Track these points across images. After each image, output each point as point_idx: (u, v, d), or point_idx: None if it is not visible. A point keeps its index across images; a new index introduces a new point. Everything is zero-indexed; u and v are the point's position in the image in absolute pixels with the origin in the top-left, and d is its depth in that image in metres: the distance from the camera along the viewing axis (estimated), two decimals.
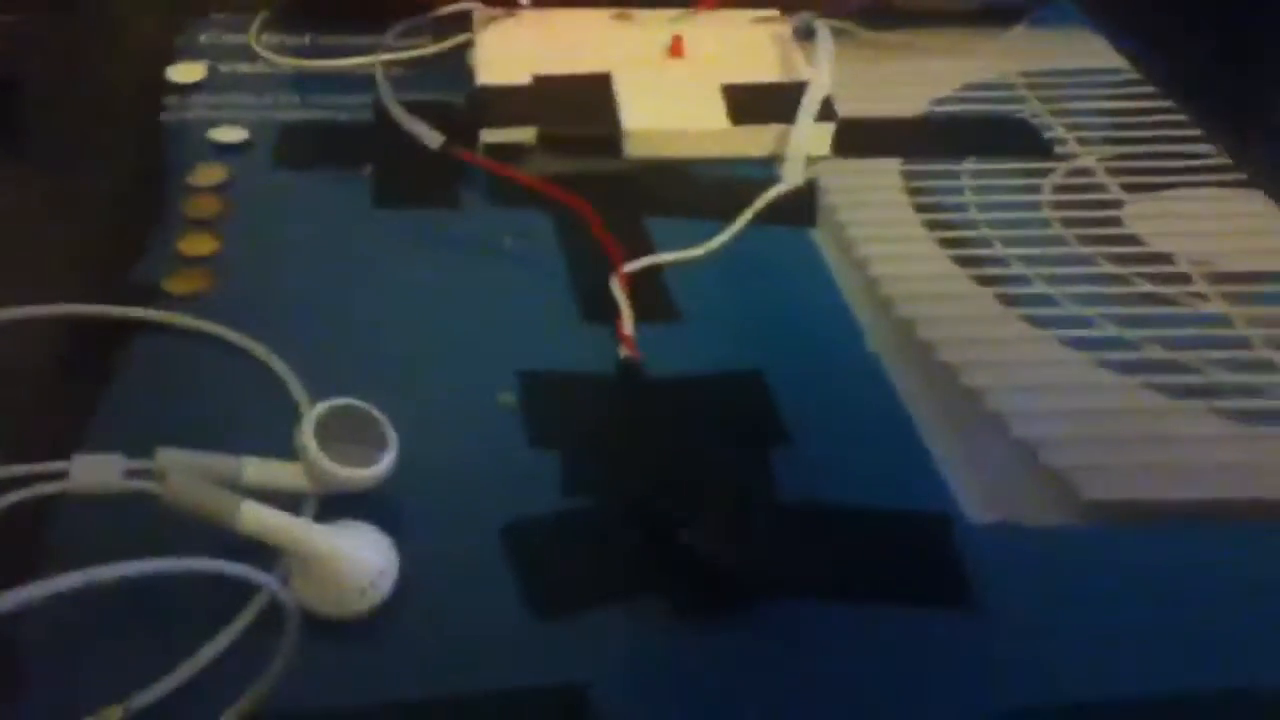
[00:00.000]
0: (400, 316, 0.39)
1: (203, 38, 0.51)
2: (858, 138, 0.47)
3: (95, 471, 0.28)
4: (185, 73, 0.49)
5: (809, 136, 0.45)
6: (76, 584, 0.22)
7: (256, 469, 0.29)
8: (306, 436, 0.29)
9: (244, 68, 0.50)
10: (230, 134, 0.45)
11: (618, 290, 0.38)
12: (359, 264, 0.40)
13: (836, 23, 0.52)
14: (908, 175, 0.46)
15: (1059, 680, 0.29)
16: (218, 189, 0.43)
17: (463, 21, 0.51)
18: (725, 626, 0.30)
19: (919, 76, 0.52)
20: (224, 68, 0.49)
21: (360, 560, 0.28)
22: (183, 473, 0.27)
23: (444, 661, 0.28)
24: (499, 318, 0.39)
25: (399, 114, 0.43)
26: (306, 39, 0.52)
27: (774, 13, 0.53)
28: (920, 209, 0.44)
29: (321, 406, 0.30)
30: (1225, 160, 0.48)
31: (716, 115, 0.46)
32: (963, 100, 0.51)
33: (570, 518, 0.32)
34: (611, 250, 0.40)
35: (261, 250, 0.40)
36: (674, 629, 0.30)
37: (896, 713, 0.28)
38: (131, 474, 0.29)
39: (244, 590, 0.28)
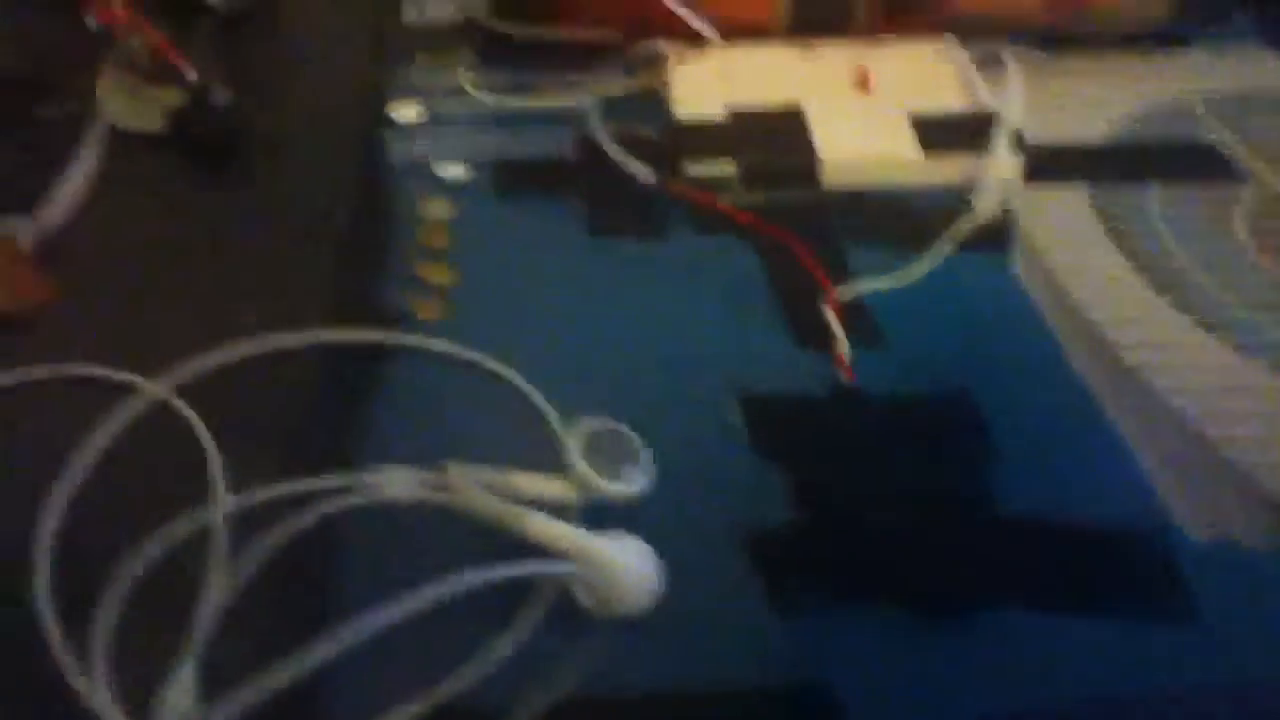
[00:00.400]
0: (623, 340, 0.41)
1: (413, 77, 0.55)
2: (1045, 164, 0.49)
3: (394, 483, 0.31)
4: (402, 111, 0.52)
5: (1002, 165, 0.47)
6: (427, 601, 0.25)
7: (528, 481, 0.32)
8: (574, 454, 0.32)
9: (455, 106, 0.53)
10: (452, 169, 0.48)
11: (830, 316, 0.41)
12: (581, 291, 0.43)
13: (1013, 49, 0.54)
14: (1097, 201, 0.47)
15: (1267, 696, 0.30)
16: (446, 221, 0.46)
17: (655, 60, 0.54)
18: (951, 631, 0.32)
19: (1098, 102, 0.53)
20: (437, 106, 0.53)
21: (631, 566, 0.30)
22: (470, 485, 0.30)
23: (698, 657, 0.31)
24: (714, 341, 0.41)
25: (613, 151, 0.46)
26: (507, 78, 0.55)
27: (952, 42, 0.54)
28: (1113, 235, 0.46)
29: (584, 426, 0.33)
30: None
31: (908, 145, 0.48)
32: (1145, 125, 0.52)
33: (802, 527, 0.35)
34: (822, 279, 0.42)
35: (493, 278, 0.43)
36: (904, 632, 0.32)
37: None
38: (426, 486, 0.32)
39: (520, 592, 0.31)
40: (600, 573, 0.30)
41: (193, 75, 0.52)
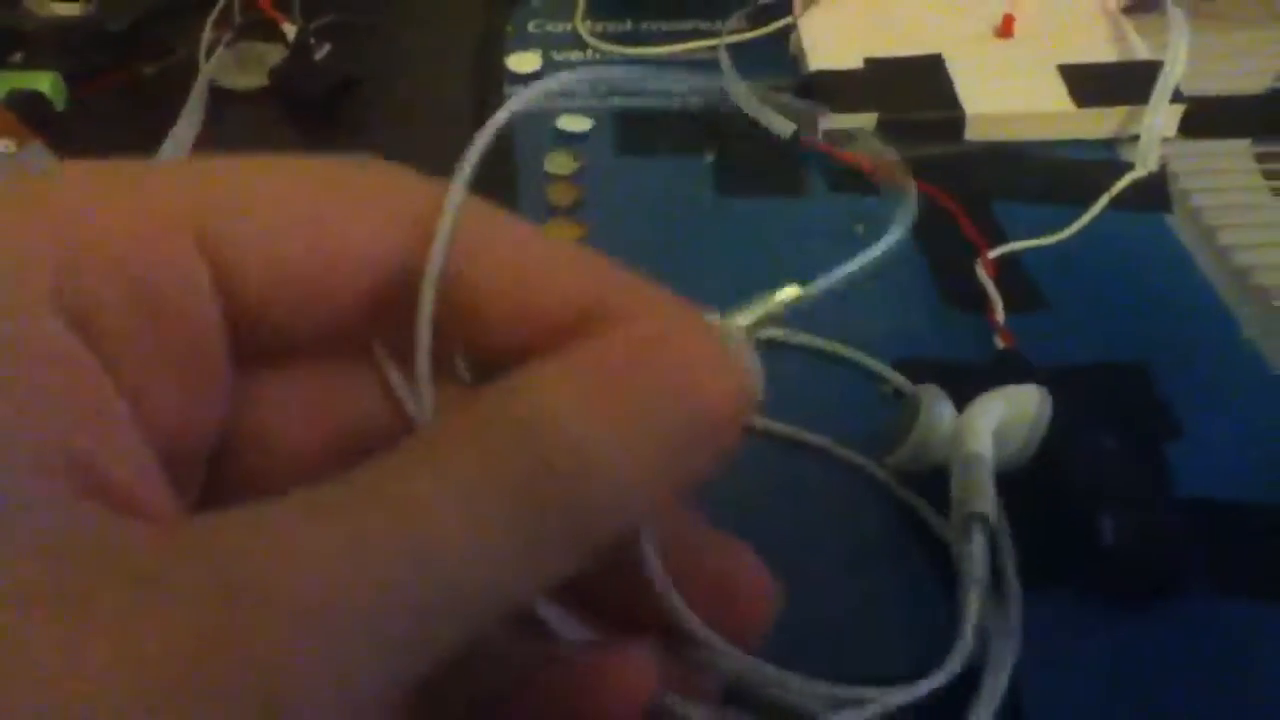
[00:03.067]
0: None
1: (530, 26, 0.53)
2: (1204, 117, 0.46)
3: None
4: (522, 62, 0.51)
5: (1162, 119, 0.44)
6: None
7: None
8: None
9: (574, 55, 0.51)
10: (576, 123, 0.47)
11: (985, 277, 0.39)
12: (712, 251, 0.41)
13: None
14: (1262, 157, 0.44)
15: None
16: (572, 177, 0.44)
17: (784, 5, 0.51)
18: (1137, 620, 0.30)
19: (1262, 48, 0.50)
20: (556, 56, 0.51)
21: None
22: None
23: (872, 643, 0.30)
24: (858, 304, 0.39)
25: (749, 102, 0.44)
26: (628, 24, 0.53)
27: None
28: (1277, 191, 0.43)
29: None
30: None
31: (1058, 96, 0.45)
32: None
33: None
34: (976, 237, 0.40)
35: (620, 237, 0.42)
36: (1085, 619, 0.30)
37: None
38: None
39: None
40: None
41: (292, 30, 0.50)
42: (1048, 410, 0.31)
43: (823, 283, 0.20)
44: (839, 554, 0.32)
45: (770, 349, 0.37)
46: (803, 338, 0.37)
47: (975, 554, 0.29)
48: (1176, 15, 0.45)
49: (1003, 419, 0.31)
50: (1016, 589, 0.29)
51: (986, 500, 0.29)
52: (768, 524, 0.32)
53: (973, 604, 0.28)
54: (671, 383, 0.16)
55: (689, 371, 0.17)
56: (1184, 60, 0.44)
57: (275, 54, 0.51)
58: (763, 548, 0.20)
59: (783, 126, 0.44)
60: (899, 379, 0.36)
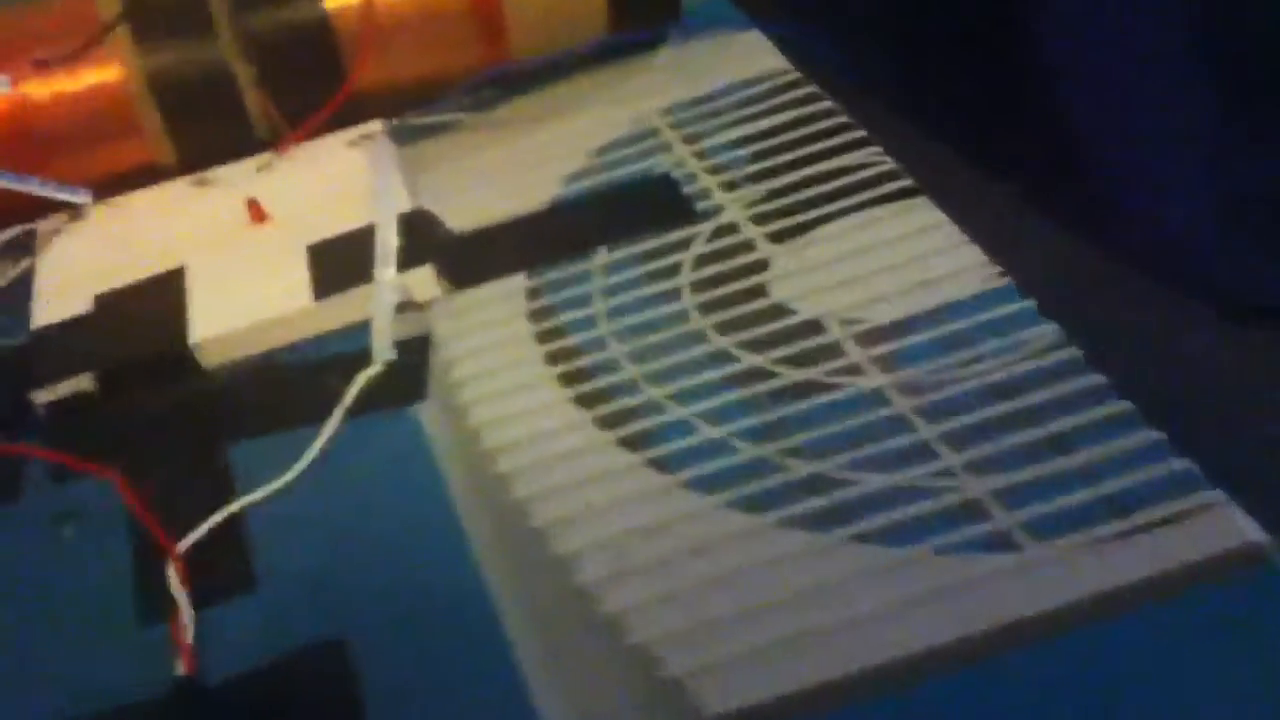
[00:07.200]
0: None
1: None
2: (474, 258, 0.41)
3: None
4: None
5: (398, 289, 0.39)
6: None
7: None
8: None
9: None
10: None
11: (172, 577, 0.33)
12: None
13: (440, 117, 0.46)
14: (532, 293, 0.40)
15: None
16: None
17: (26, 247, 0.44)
18: None
19: (548, 151, 0.46)
20: None
21: None
22: None
23: None
24: (56, 628, 0.33)
25: None
26: None
27: (375, 126, 0.46)
28: (543, 337, 0.38)
29: None
30: (889, 166, 0.42)
31: (299, 291, 0.40)
32: (600, 168, 0.45)
33: None
34: (154, 527, 0.34)
35: None
36: None
37: None
38: None
39: None
40: None
41: None
42: None
43: None
44: None
45: None
46: None
47: None
48: (384, 160, 0.40)
49: None
50: None
51: None
52: None
53: None
54: None
55: None
56: (399, 209, 0.39)
57: None
58: None
59: None
60: None
